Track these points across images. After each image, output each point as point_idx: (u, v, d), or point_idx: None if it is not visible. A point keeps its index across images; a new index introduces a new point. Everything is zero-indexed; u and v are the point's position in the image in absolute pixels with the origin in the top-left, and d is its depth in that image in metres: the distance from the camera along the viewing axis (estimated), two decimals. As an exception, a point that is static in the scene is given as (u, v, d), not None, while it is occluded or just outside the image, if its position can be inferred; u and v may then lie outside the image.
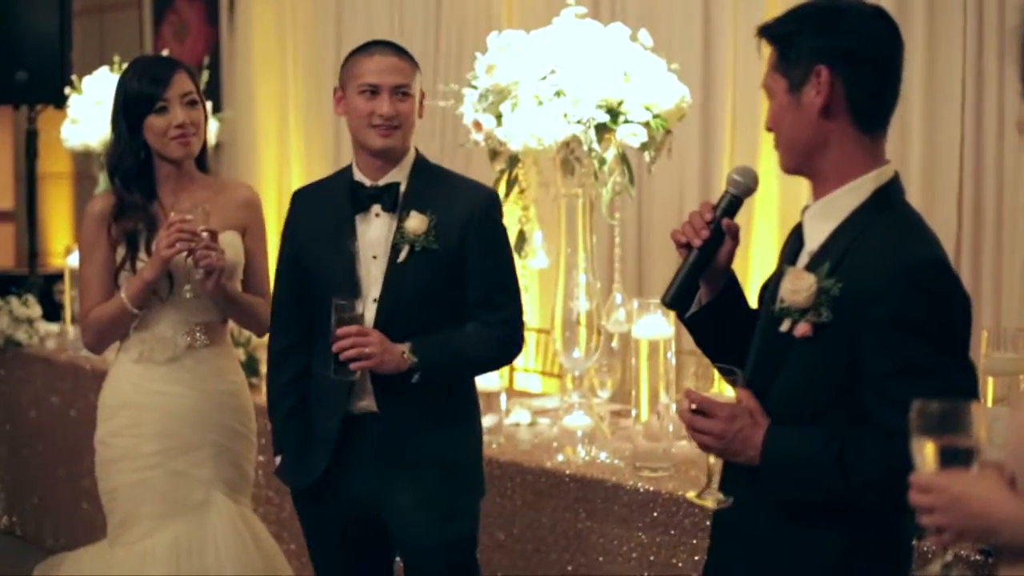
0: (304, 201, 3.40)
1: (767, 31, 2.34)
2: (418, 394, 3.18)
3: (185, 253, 3.40)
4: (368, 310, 3.19)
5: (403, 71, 3.22)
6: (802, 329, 2.23)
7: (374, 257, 3.23)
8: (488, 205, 3.28)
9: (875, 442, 2.15)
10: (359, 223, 3.25)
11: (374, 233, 3.24)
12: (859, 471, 2.17)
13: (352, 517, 3.29)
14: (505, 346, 3.30)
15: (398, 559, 3.43)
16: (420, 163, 3.30)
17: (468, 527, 3.32)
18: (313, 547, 3.42)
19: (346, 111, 3.26)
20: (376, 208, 3.24)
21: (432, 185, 3.26)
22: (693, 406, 2.30)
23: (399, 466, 3.22)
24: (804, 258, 2.32)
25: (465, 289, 3.23)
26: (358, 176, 3.27)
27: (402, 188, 3.24)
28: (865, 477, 2.17)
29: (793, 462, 2.24)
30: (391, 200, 3.23)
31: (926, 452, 1.81)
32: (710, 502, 2.36)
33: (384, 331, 3.14)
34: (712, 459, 2.35)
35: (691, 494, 2.41)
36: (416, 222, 3.18)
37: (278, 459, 3.38)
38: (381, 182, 3.24)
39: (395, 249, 3.20)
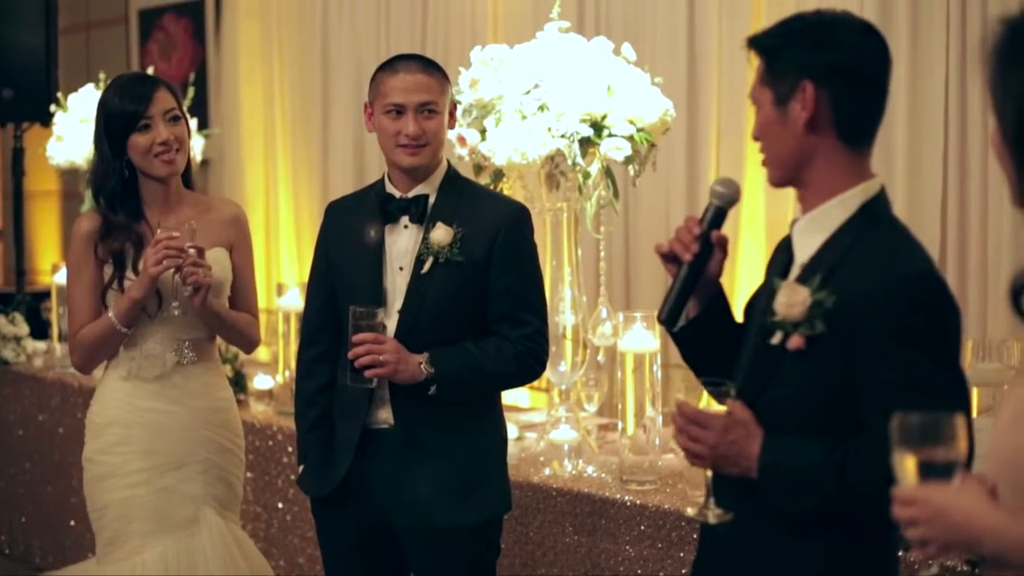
0: (336, 213, 3.42)
1: (756, 42, 2.34)
2: (436, 407, 3.18)
3: (172, 270, 3.39)
4: (392, 321, 3.20)
5: (428, 87, 3.20)
6: (796, 342, 2.22)
7: (400, 268, 3.24)
8: (516, 220, 3.27)
9: (876, 452, 2.14)
10: (388, 234, 3.27)
11: (402, 245, 3.25)
12: (860, 482, 2.16)
13: (367, 529, 3.28)
14: (524, 363, 3.24)
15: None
16: (451, 176, 3.30)
17: (472, 530, 3.25)
18: (328, 558, 3.42)
19: (375, 129, 3.27)
20: (404, 220, 3.25)
21: (461, 198, 3.26)
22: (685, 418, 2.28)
23: (411, 476, 3.21)
24: (795, 270, 2.32)
25: (489, 303, 3.23)
26: (389, 188, 3.28)
27: (431, 200, 3.25)
28: (867, 488, 2.14)
29: (792, 473, 2.23)
30: (419, 212, 3.23)
31: (907, 465, 1.82)
32: (711, 518, 2.33)
33: (406, 342, 3.14)
34: (709, 473, 2.33)
35: (691, 511, 2.37)
36: (441, 234, 3.18)
37: (301, 468, 3.40)
38: (410, 194, 3.25)
39: (419, 260, 3.21)
